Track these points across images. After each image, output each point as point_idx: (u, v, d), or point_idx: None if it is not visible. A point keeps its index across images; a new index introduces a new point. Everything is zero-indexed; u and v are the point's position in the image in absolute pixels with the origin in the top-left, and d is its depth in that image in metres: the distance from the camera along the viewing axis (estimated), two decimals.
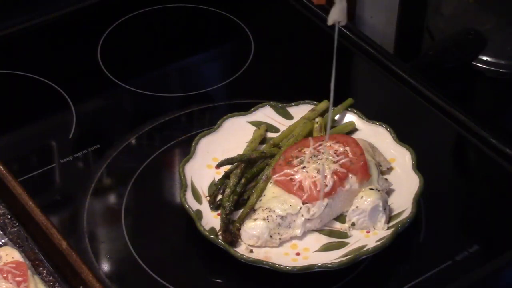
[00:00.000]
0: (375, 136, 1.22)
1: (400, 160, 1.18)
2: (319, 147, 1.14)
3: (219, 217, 1.11)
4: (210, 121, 1.27)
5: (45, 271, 1.03)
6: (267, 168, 1.16)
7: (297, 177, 1.11)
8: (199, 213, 1.11)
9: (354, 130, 1.24)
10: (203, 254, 1.11)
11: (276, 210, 1.09)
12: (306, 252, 1.09)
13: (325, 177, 1.10)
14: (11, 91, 1.38)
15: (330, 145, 1.15)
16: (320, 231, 1.12)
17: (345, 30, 1.41)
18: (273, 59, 1.44)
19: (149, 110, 1.33)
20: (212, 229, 1.09)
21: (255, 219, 1.09)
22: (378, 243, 1.07)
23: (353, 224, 1.12)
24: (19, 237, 1.07)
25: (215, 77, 1.41)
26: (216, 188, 1.15)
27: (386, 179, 1.16)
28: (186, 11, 1.53)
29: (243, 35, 1.47)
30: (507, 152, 1.23)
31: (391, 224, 1.11)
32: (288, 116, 1.26)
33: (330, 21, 0.96)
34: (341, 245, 1.10)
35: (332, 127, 1.23)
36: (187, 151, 1.19)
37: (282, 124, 1.25)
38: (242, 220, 1.11)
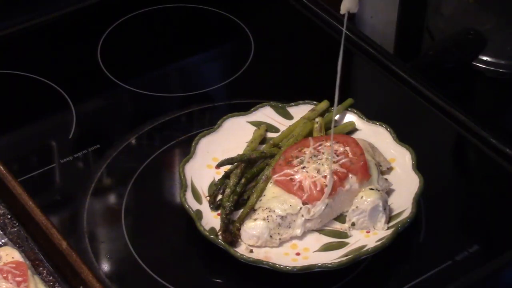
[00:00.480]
0: (375, 136, 1.22)
1: (400, 160, 1.18)
2: (319, 147, 1.14)
3: (219, 217, 1.11)
4: (210, 121, 1.27)
5: (45, 271, 1.03)
6: (267, 168, 1.16)
7: (297, 177, 1.11)
8: (199, 213, 1.11)
9: (354, 130, 1.24)
10: (203, 254, 1.10)
11: (276, 210, 1.09)
12: (306, 252, 1.09)
13: (325, 177, 1.10)
14: (11, 91, 1.38)
15: (330, 145, 1.15)
16: (320, 231, 1.12)
17: (345, 31, 1.40)
18: (273, 59, 1.44)
19: (149, 110, 1.33)
20: (212, 229, 1.09)
21: (255, 219, 1.09)
22: (378, 243, 1.07)
23: (353, 224, 1.12)
24: (19, 237, 1.07)
25: (215, 77, 1.41)
26: (216, 188, 1.15)
27: (386, 179, 1.16)
28: (186, 11, 1.53)
29: (243, 35, 1.47)
30: (507, 152, 1.23)
31: (391, 224, 1.11)
32: (288, 116, 1.26)
33: (343, 10, 0.99)
34: (341, 245, 1.10)
35: None
36: (187, 151, 1.19)
37: (282, 124, 1.25)
38: (242, 220, 1.11)
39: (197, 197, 1.14)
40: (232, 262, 1.06)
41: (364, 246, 1.07)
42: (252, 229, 1.08)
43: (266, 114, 1.26)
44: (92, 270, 1.01)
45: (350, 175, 1.12)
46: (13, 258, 1.02)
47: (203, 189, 1.16)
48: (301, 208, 1.10)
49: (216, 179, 1.17)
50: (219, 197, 1.14)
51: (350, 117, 1.25)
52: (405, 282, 1.07)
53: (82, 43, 1.47)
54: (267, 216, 1.09)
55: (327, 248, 1.10)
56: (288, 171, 1.12)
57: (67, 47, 1.47)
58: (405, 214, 1.10)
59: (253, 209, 1.12)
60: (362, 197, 1.11)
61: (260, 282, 1.07)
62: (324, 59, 1.41)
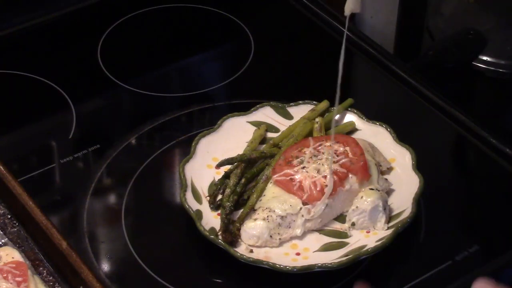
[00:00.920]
0: (375, 136, 1.22)
1: (400, 160, 1.18)
2: (319, 147, 1.14)
3: (219, 217, 1.11)
4: (210, 121, 1.27)
5: (45, 271, 1.03)
6: (267, 168, 1.16)
7: (297, 177, 1.11)
8: (199, 213, 1.11)
9: (354, 130, 1.24)
10: (203, 254, 1.10)
11: (276, 210, 1.09)
12: (306, 252, 1.09)
13: (325, 177, 1.10)
14: (11, 91, 1.38)
15: (330, 145, 1.15)
16: (320, 231, 1.12)
17: (345, 31, 1.40)
18: (273, 59, 1.44)
19: (149, 110, 1.33)
20: (212, 229, 1.09)
21: (255, 219, 1.09)
22: (378, 243, 1.07)
23: (353, 224, 1.12)
24: (19, 237, 1.07)
25: (215, 77, 1.41)
26: (216, 188, 1.15)
27: (386, 179, 1.16)
28: (186, 11, 1.53)
29: (243, 35, 1.47)
30: (507, 152, 1.23)
31: (391, 224, 1.11)
32: (288, 116, 1.26)
33: (347, 11, 0.99)
34: (341, 245, 1.10)
35: None
36: (187, 151, 1.19)
37: (282, 124, 1.25)
38: (242, 220, 1.11)
39: (197, 197, 1.14)
40: (232, 262, 1.06)
41: (364, 246, 1.07)
42: (252, 229, 1.08)
43: (266, 114, 1.26)
44: (92, 270, 1.01)
45: (350, 175, 1.12)
46: (13, 258, 1.02)
47: (203, 189, 1.16)
48: (301, 208, 1.10)
49: (216, 179, 1.17)
50: (219, 197, 1.14)
51: (350, 117, 1.25)
52: (405, 282, 1.07)
53: (82, 43, 1.47)
54: (267, 216, 1.09)
55: (327, 248, 1.10)
56: (288, 171, 1.12)
57: (67, 47, 1.47)
58: (405, 214, 1.10)
59: (253, 209, 1.12)
60: (362, 197, 1.11)
61: (260, 282, 1.07)
62: (324, 59, 1.41)
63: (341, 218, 1.13)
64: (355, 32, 1.44)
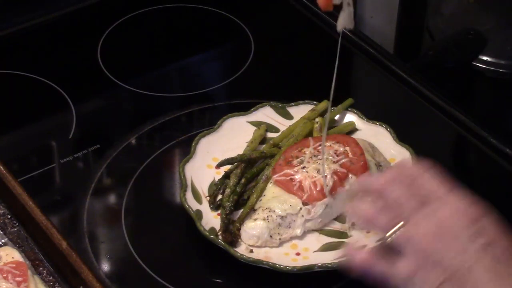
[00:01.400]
0: (375, 136, 1.22)
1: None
2: (319, 147, 1.14)
3: (219, 217, 1.11)
4: (210, 121, 1.27)
5: (45, 271, 1.03)
6: (267, 168, 1.16)
7: (297, 177, 1.11)
8: (199, 213, 1.11)
9: (354, 130, 1.24)
10: (203, 254, 1.10)
11: (276, 210, 1.09)
12: (306, 252, 1.09)
13: (325, 177, 1.10)
14: (11, 91, 1.38)
15: (330, 145, 1.15)
16: (320, 231, 1.12)
17: (345, 30, 1.40)
18: (273, 59, 1.44)
19: (149, 110, 1.33)
20: (212, 229, 1.09)
21: (255, 219, 1.09)
22: (378, 243, 1.07)
23: (353, 224, 1.11)
24: (19, 237, 1.07)
25: (215, 77, 1.41)
26: (216, 188, 1.15)
27: None
28: (186, 11, 1.53)
29: (243, 35, 1.47)
30: (507, 152, 1.23)
31: None
32: (288, 116, 1.26)
33: (339, 28, 0.98)
34: (341, 245, 1.10)
35: (332, 127, 1.23)
36: (187, 151, 1.19)
37: (282, 124, 1.25)
38: (242, 220, 1.11)
39: (197, 197, 1.14)
40: (232, 262, 1.06)
41: (364, 246, 1.07)
42: (252, 229, 1.08)
43: (266, 114, 1.26)
44: (92, 270, 1.01)
45: (350, 175, 1.12)
46: (13, 258, 1.02)
47: (203, 189, 1.16)
48: (301, 208, 1.10)
49: (216, 179, 1.17)
50: (219, 197, 1.14)
51: (350, 117, 1.25)
52: None
53: (82, 43, 1.47)
54: (267, 216, 1.09)
55: (327, 248, 1.10)
56: (288, 171, 1.12)
57: (67, 47, 1.47)
58: None
59: (253, 209, 1.12)
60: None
61: (260, 282, 1.07)
62: (324, 59, 1.40)
63: (341, 218, 1.13)
64: (355, 32, 1.44)
